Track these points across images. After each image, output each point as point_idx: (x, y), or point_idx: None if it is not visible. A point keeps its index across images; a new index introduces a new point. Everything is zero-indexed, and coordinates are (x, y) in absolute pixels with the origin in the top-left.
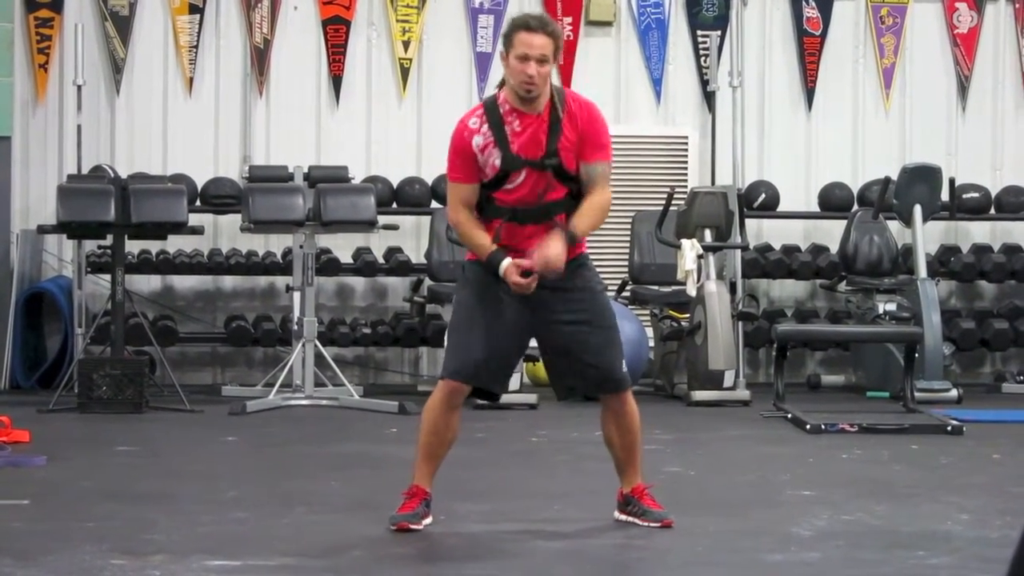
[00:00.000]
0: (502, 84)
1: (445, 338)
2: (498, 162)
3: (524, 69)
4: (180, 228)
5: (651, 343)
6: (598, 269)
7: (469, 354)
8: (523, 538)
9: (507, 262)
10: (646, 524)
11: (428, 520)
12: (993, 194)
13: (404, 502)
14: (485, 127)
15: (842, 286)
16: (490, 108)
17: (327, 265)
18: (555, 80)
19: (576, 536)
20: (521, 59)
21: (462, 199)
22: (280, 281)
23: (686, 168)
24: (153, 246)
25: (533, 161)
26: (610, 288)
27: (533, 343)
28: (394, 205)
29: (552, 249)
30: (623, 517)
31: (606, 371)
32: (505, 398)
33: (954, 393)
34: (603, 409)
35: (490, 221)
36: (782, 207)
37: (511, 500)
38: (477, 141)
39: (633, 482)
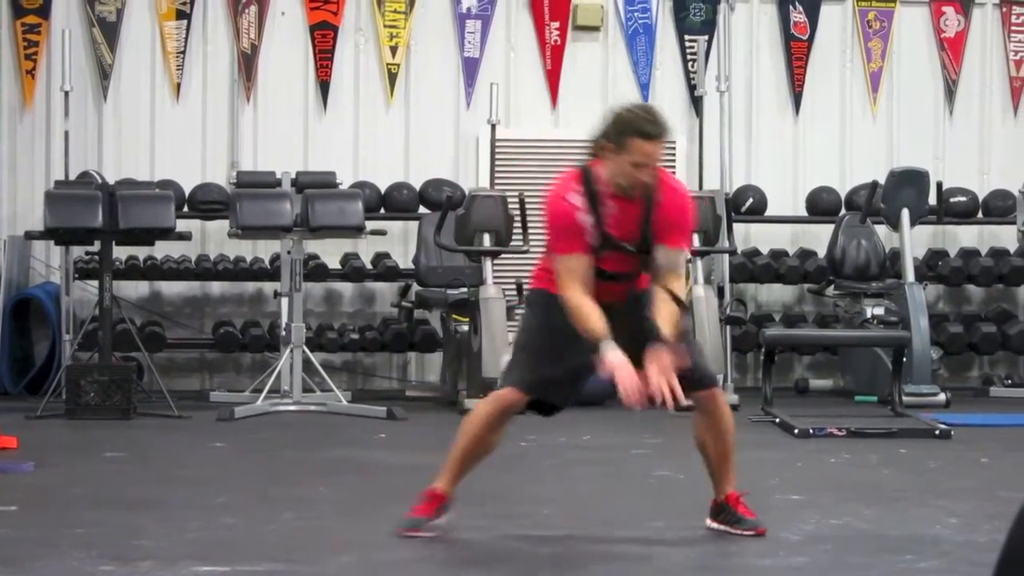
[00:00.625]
0: (595, 151)
1: (508, 353)
2: (593, 242)
3: (638, 175)
4: (168, 234)
5: None
6: None
7: (536, 367)
8: (512, 543)
9: (613, 355)
10: (739, 532)
11: (442, 520)
12: (980, 198)
13: (421, 503)
14: (587, 204)
15: (830, 290)
16: (588, 186)
17: (315, 271)
18: None
19: (565, 541)
20: (637, 166)
21: (578, 273)
22: (268, 287)
23: (674, 172)
24: (141, 252)
25: (623, 246)
26: None
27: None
28: (382, 210)
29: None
30: (715, 525)
31: (690, 370)
32: None
33: (942, 397)
34: (695, 413)
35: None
36: (770, 211)
37: (500, 505)
38: (583, 219)
39: (727, 489)
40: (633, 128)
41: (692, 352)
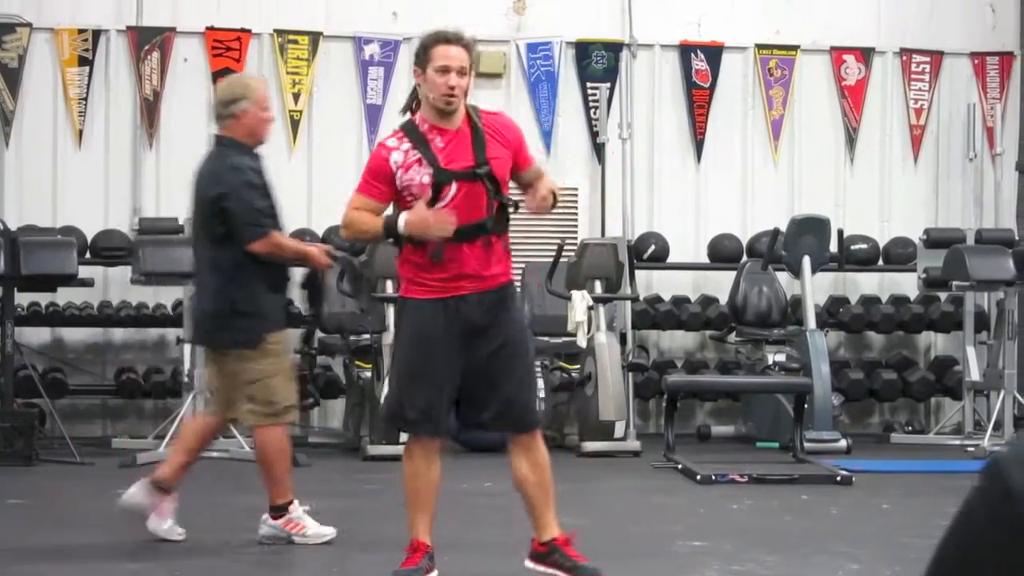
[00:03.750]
0: (408, 109)
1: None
2: (427, 178)
3: (446, 81)
4: (70, 280)
5: (542, 394)
6: None
7: (398, 404)
8: None
9: (403, 216)
10: None
11: (433, 574)
12: (881, 245)
13: (406, 557)
14: (406, 145)
15: (732, 337)
16: (409, 129)
17: None
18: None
19: None
20: (441, 71)
21: (360, 208)
22: (170, 333)
23: (576, 220)
24: (43, 298)
25: (464, 172)
26: None
27: None
28: None
29: (545, 186)
30: (541, 568)
31: (523, 405)
32: (394, 449)
33: (843, 443)
34: (513, 449)
35: (424, 243)
36: (672, 258)
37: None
38: (396, 158)
39: (553, 531)
40: (432, 38)
41: (529, 386)
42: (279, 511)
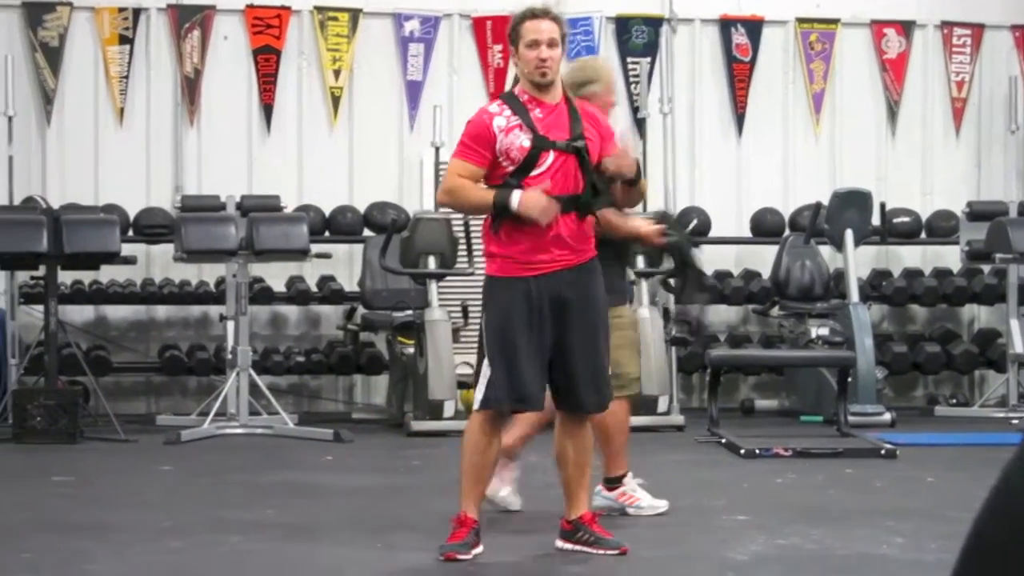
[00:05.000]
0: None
1: (485, 365)
2: (527, 143)
3: (537, 54)
4: (113, 258)
5: None
6: None
7: (507, 385)
8: (461, 566)
9: (517, 193)
10: (601, 552)
11: (478, 550)
12: (923, 218)
13: (453, 531)
14: (507, 111)
15: (775, 311)
16: (508, 97)
17: (260, 294)
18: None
19: (512, 564)
20: (532, 45)
21: (463, 175)
22: (213, 310)
23: None
24: (86, 276)
25: (562, 144)
26: None
27: None
28: (327, 234)
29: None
30: (568, 546)
31: (599, 386)
32: (438, 425)
33: (887, 417)
34: (563, 426)
35: (519, 217)
36: (714, 233)
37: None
38: (499, 122)
39: (581, 509)
40: (520, 16)
41: (606, 366)
42: (614, 483)
